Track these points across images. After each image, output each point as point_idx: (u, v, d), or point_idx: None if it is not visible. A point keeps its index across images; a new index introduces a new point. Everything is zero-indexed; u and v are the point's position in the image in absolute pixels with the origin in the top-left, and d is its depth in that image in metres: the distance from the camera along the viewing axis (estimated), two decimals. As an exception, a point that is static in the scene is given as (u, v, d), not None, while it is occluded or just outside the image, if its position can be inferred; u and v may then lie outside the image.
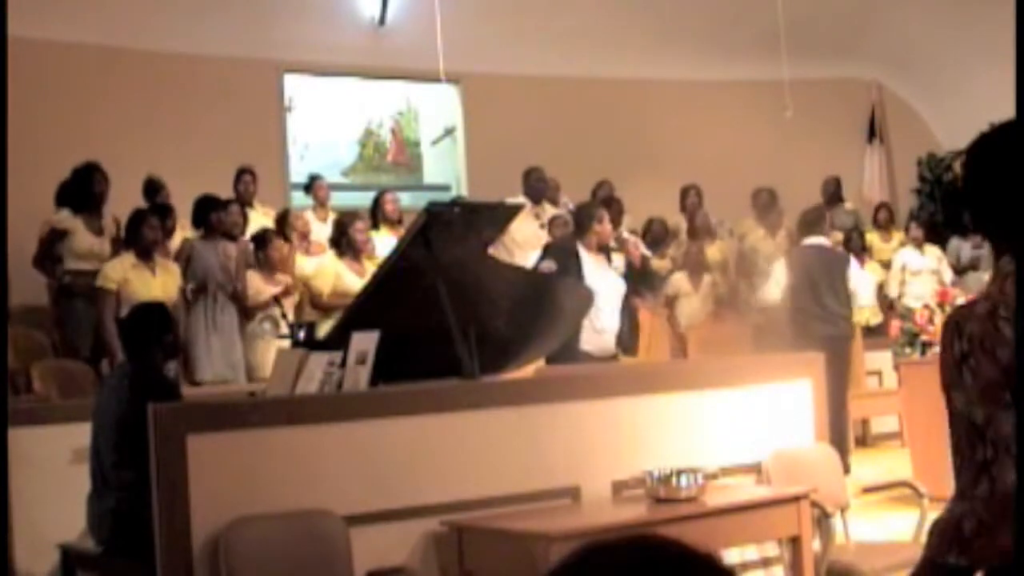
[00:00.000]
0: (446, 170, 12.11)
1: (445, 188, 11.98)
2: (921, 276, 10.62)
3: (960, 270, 11.23)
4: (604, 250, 7.80)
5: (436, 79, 10.12)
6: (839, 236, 10.40)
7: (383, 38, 11.15)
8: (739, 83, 12.13)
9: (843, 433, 7.91)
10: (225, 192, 8.80)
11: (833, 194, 11.67)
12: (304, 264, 8.60)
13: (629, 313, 7.79)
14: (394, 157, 12.04)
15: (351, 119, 11.75)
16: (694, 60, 12.13)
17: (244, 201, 9.07)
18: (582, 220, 7.33)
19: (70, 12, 9.62)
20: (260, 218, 9.09)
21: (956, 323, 2.21)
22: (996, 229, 2.28)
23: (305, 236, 8.94)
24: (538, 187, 9.89)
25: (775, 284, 8.31)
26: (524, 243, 9.11)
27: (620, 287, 7.23)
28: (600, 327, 6.85)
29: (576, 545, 1.33)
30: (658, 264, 10.59)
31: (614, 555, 1.28)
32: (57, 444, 5.61)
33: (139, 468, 4.31)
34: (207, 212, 8.07)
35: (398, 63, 11.11)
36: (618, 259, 8.58)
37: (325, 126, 11.56)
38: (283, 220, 8.96)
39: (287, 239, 8.75)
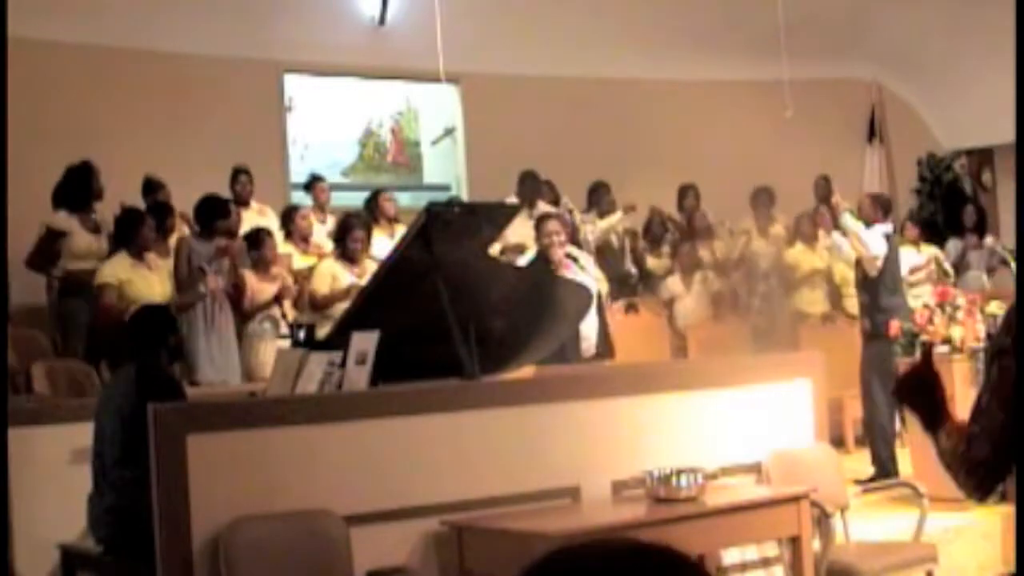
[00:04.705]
0: (446, 170, 12.11)
1: (445, 188, 11.97)
2: (918, 275, 10.59)
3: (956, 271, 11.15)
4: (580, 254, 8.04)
5: (436, 79, 10.11)
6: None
7: (383, 38, 11.15)
8: (739, 83, 12.13)
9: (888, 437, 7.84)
10: (225, 193, 8.79)
11: (825, 194, 11.68)
12: (302, 263, 8.57)
13: (602, 317, 7.87)
14: (394, 157, 12.04)
15: (351, 119, 11.75)
16: (694, 60, 12.13)
17: (241, 201, 9.07)
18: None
19: (70, 12, 9.61)
20: (255, 217, 9.08)
21: (1008, 313, 2.40)
22: None
23: (306, 238, 8.89)
24: (532, 191, 9.90)
25: (873, 256, 8.07)
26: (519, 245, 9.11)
27: (593, 289, 7.27)
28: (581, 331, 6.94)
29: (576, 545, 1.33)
30: (655, 264, 10.62)
31: (579, 557, 1.28)
32: (57, 444, 5.60)
33: (141, 467, 4.31)
34: (213, 217, 7.99)
35: (398, 63, 11.11)
36: (589, 263, 8.62)
37: (325, 126, 11.56)
38: (288, 217, 8.92)
39: (289, 235, 8.73)
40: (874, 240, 8.00)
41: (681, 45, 11.95)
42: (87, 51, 9.83)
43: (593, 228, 10.03)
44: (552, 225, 7.64)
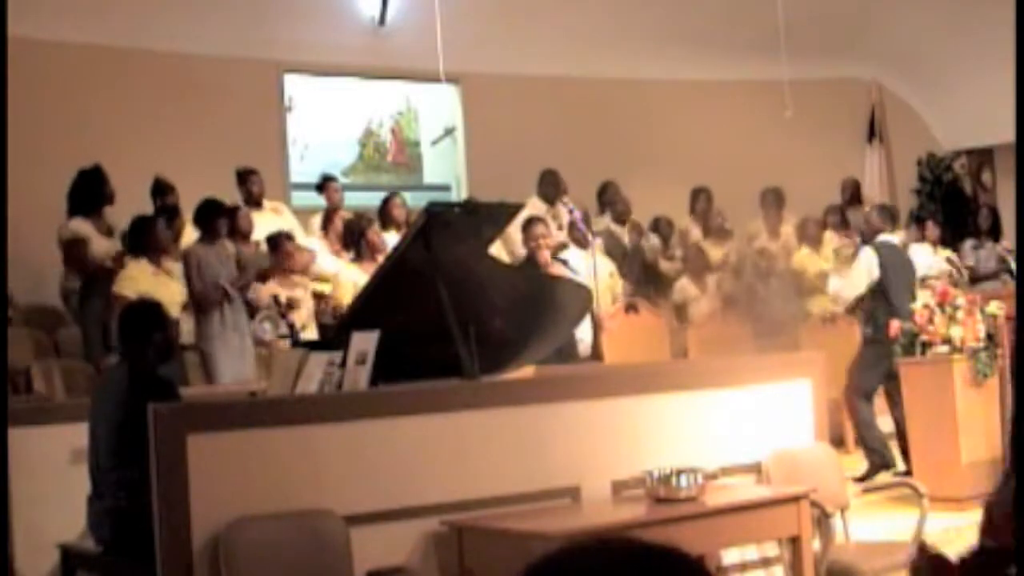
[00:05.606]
0: (446, 170, 12.11)
1: (445, 188, 11.98)
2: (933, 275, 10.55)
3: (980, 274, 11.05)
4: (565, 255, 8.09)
5: (436, 79, 10.12)
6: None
7: (383, 38, 11.15)
8: (739, 83, 12.14)
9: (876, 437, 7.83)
10: (225, 192, 8.79)
11: (853, 195, 11.69)
12: (327, 268, 8.56)
13: (595, 318, 7.91)
14: (394, 157, 12.04)
15: (351, 119, 11.75)
16: (694, 60, 12.13)
17: (254, 201, 9.07)
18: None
19: (71, 12, 9.62)
20: (271, 216, 9.08)
21: None
22: None
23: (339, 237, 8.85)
24: (552, 190, 9.89)
25: (852, 286, 8.18)
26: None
27: None
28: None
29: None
30: (666, 266, 10.58)
31: (584, 556, 1.29)
32: (57, 444, 5.60)
33: (139, 468, 4.31)
34: (212, 217, 8.00)
35: (398, 63, 11.11)
36: (580, 262, 8.62)
37: (325, 126, 11.56)
38: (329, 219, 8.91)
39: (326, 236, 8.73)
40: (855, 276, 8.12)
41: (681, 45, 11.95)
42: (88, 51, 9.84)
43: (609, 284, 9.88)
44: (539, 228, 7.73)
